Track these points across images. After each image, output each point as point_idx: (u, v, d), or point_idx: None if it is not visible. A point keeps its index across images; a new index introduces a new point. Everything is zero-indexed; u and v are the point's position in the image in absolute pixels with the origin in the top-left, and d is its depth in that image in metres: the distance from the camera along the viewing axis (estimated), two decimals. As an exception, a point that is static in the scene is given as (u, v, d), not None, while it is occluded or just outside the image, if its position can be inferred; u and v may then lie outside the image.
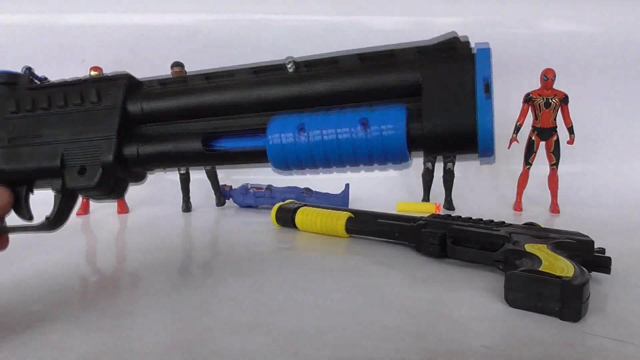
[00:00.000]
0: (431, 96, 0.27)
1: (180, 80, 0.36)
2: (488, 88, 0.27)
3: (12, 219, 0.41)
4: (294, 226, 0.81)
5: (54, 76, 0.42)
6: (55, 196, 0.38)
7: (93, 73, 1.02)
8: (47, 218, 0.39)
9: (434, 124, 0.27)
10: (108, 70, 1.08)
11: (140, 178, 0.38)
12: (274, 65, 0.33)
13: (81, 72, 1.08)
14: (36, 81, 0.40)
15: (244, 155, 0.32)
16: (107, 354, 0.40)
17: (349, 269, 0.63)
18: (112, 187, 0.36)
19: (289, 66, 0.32)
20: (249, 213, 1.00)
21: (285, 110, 0.31)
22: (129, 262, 0.70)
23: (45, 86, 0.39)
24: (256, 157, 0.32)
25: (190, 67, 1.03)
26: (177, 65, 1.00)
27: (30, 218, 0.40)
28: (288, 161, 0.30)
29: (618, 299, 0.52)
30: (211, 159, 0.34)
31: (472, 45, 0.30)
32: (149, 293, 0.54)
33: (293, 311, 0.48)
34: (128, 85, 0.36)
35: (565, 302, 0.45)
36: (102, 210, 1.04)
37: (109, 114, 0.35)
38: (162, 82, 0.36)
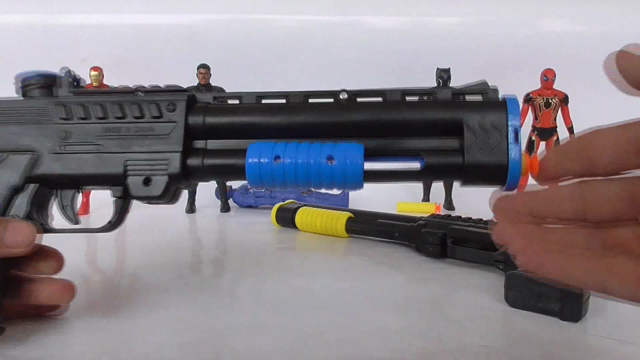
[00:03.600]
0: (472, 135, 0.32)
1: (235, 97, 0.38)
2: (517, 136, 0.32)
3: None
4: (294, 226, 0.81)
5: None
6: (116, 201, 0.41)
7: (93, 73, 1.02)
8: (109, 222, 0.42)
9: (474, 158, 0.32)
10: (108, 70, 1.08)
11: (194, 186, 0.40)
12: (326, 92, 0.36)
13: (81, 72, 1.08)
14: (76, 83, 0.41)
15: None
16: (108, 353, 0.40)
17: (349, 269, 0.63)
18: (172, 196, 0.39)
19: (341, 95, 0.35)
20: (249, 213, 1.00)
21: (336, 136, 0.35)
22: (129, 262, 0.70)
23: (93, 92, 0.41)
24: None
25: (190, 67, 1.03)
26: (203, 67, 1.00)
27: (77, 222, 0.43)
28: (263, 180, 0.34)
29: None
30: None
31: (500, 94, 0.35)
32: (149, 293, 0.54)
33: (293, 311, 0.48)
34: (188, 100, 0.38)
35: (565, 302, 0.45)
36: (102, 210, 1.04)
37: (174, 128, 0.37)
38: (218, 98, 0.39)
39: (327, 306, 0.50)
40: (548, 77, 1.00)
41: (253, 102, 0.37)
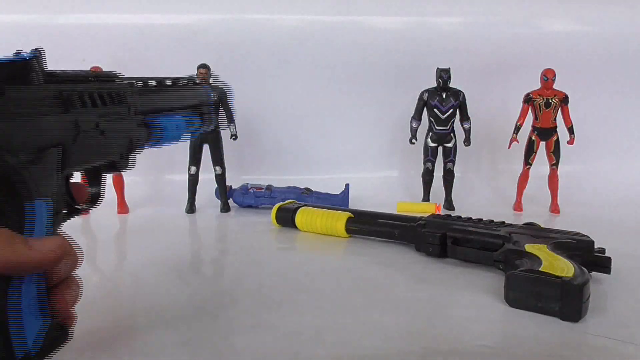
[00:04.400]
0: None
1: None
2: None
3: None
4: (294, 226, 0.81)
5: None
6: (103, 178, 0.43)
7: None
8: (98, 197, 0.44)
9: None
10: (108, 69, 1.08)
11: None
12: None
13: (81, 72, 1.08)
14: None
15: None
16: (107, 352, 0.40)
17: (349, 269, 0.63)
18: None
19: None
20: (249, 213, 1.00)
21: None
22: (129, 262, 0.70)
23: (75, 79, 0.39)
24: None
25: (190, 67, 1.03)
26: (203, 67, 1.00)
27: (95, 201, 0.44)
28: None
29: (618, 299, 0.52)
30: None
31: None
32: (149, 293, 0.54)
33: (293, 311, 0.48)
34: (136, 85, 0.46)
35: (565, 302, 0.45)
36: (102, 210, 1.03)
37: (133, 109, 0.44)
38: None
39: (327, 306, 0.50)
40: (548, 77, 1.00)
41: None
